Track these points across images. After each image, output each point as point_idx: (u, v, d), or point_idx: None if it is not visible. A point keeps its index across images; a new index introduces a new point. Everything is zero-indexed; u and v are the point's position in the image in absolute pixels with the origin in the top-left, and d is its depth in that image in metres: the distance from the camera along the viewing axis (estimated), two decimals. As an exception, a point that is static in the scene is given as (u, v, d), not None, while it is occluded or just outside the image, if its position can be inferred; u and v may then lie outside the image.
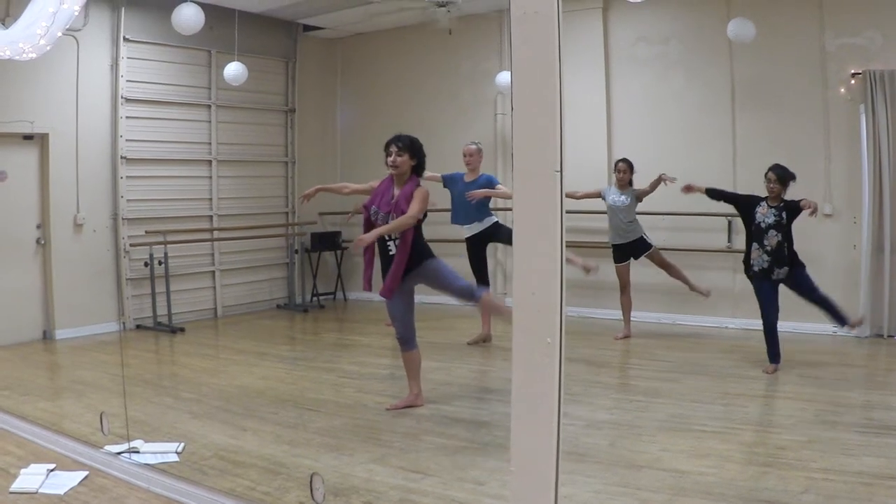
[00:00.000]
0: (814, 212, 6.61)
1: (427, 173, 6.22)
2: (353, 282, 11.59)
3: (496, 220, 7.92)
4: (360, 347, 8.53)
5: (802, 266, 6.71)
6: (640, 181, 8.18)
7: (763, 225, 6.65)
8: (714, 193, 7.16)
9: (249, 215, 10.75)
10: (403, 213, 5.48)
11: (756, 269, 6.72)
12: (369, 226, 5.67)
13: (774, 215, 6.62)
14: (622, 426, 5.36)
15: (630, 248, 8.24)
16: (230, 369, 7.45)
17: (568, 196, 7.75)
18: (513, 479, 2.70)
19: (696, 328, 8.81)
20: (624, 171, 8.21)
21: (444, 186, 8.03)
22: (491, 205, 8.02)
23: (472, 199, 7.60)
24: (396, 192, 5.63)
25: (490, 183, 7.78)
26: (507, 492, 2.78)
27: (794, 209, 6.64)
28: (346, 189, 6.37)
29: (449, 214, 8.06)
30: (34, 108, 8.58)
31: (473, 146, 7.99)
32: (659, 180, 7.86)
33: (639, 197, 8.14)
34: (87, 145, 9.07)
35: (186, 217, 10.01)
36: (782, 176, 6.67)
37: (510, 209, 2.95)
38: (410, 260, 5.57)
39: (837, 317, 6.79)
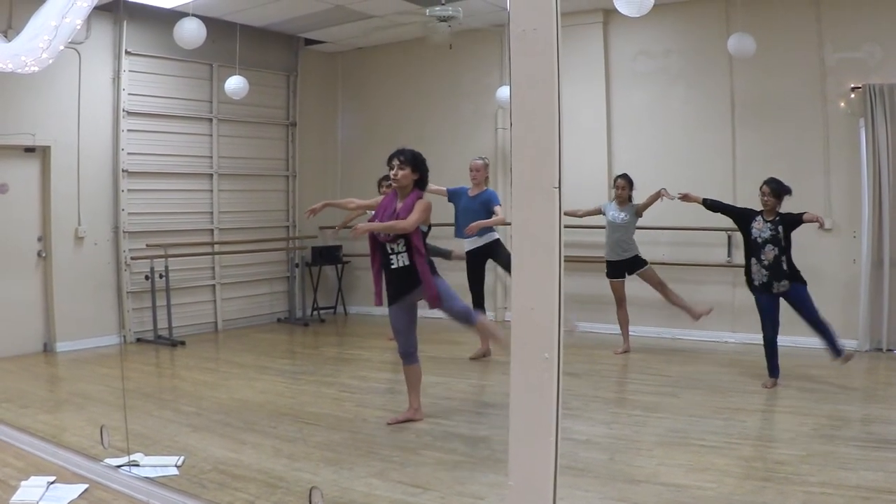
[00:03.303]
0: (822, 225, 6.66)
1: (433, 186, 6.22)
2: (354, 296, 11.61)
3: (497, 237, 7.93)
4: (360, 362, 8.52)
5: (804, 283, 6.68)
6: (639, 196, 8.20)
7: (759, 240, 6.67)
8: (711, 204, 7.18)
9: (250, 229, 10.78)
10: None
11: (756, 283, 6.73)
12: (373, 239, 5.69)
13: (770, 229, 6.63)
14: (621, 441, 5.36)
15: (625, 265, 8.25)
16: (230, 383, 7.44)
17: (570, 215, 7.82)
18: (511, 493, 2.71)
19: (695, 343, 8.81)
20: (623, 187, 8.23)
21: (449, 201, 8.06)
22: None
23: (470, 232, 7.60)
24: (399, 205, 5.65)
25: (491, 201, 7.79)
26: (505, 506, 2.79)
27: (790, 222, 6.64)
28: (353, 204, 6.38)
29: (450, 229, 8.10)
30: (36, 121, 8.62)
31: (479, 161, 8.01)
32: (658, 195, 7.85)
33: (638, 212, 8.15)
34: (88, 158, 9.10)
35: (187, 230, 10.04)
36: (776, 190, 6.67)
37: (509, 224, 2.97)
38: (419, 273, 5.59)
39: (832, 345, 6.68)
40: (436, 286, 5.60)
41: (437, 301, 5.64)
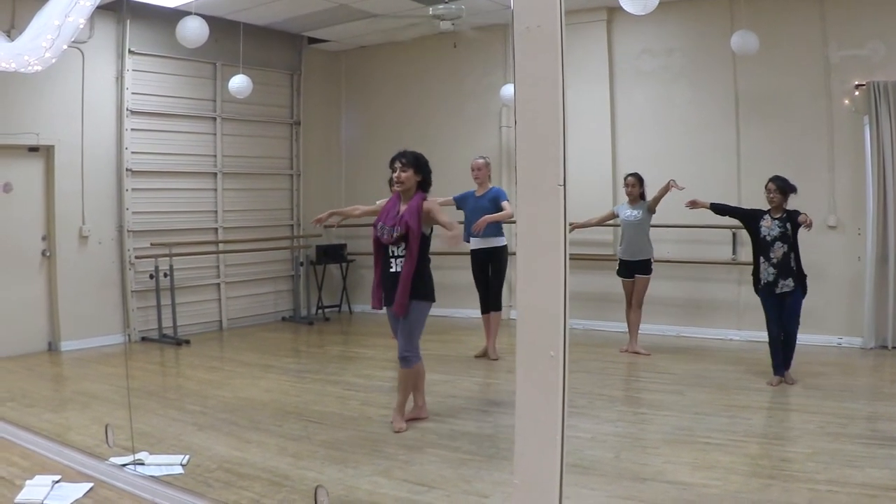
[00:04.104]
0: (809, 225, 6.53)
1: (438, 199, 6.19)
2: (359, 294, 11.60)
3: (504, 244, 7.90)
4: (364, 360, 8.53)
5: (802, 292, 6.65)
6: (648, 194, 8.16)
7: (768, 238, 6.64)
8: (718, 208, 7.14)
9: (254, 228, 10.77)
10: (409, 227, 5.46)
11: (761, 282, 6.70)
12: (377, 243, 5.66)
13: (779, 227, 6.61)
14: (627, 438, 5.36)
15: (635, 266, 8.18)
16: (235, 381, 7.44)
17: (585, 226, 7.73)
18: (517, 491, 2.70)
19: (700, 340, 8.81)
20: (633, 184, 8.15)
21: (458, 208, 8.04)
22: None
23: (477, 230, 7.56)
24: (403, 207, 5.63)
25: (498, 197, 7.77)
26: (511, 504, 2.78)
27: (796, 219, 6.62)
28: (358, 211, 6.31)
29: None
30: (40, 120, 8.63)
31: (481, 160, 7.99)
32: (668, 187, 7.78)
33: (651, 208, 8.07)
34: (92, 157, 9.11)
35: (191, 229, 10.04)
36: (782, 187, 6.65)
37: (514, 222, 2.96)
38: (415, 279, 5.52)
39: (786, 361, 6.70)
40: (405, 299, 5.50)
41: (403, 310, 5.54)
